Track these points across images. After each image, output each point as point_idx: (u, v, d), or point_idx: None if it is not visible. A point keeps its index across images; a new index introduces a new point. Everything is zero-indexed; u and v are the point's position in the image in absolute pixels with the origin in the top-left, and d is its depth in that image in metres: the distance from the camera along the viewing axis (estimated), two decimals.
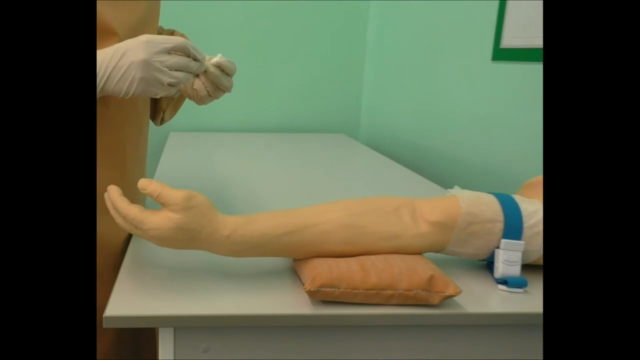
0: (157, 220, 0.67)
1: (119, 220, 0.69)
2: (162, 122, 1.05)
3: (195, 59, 0.75)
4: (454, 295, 0.68)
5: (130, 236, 0.91)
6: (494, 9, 1.32)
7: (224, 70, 0.84)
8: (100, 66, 0.71)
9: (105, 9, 0.76)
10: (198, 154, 1.56)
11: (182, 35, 1.02)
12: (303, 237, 0.72)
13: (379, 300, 0.68)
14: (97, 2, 0.74)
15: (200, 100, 0.90)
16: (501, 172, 1.32)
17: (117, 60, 0.70)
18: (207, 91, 0.87)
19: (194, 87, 0.88)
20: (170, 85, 0.73)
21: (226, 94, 1.99)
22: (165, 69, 0.71)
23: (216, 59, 0.84)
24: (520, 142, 1.24)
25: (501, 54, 1.29)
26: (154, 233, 0.67)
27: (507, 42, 1.27)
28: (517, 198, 0.78)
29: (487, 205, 0.76)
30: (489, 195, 0.78)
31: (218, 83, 0.85)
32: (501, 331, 0.71)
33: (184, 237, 0.68)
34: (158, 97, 0.75)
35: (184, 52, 0.74)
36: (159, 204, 0.68)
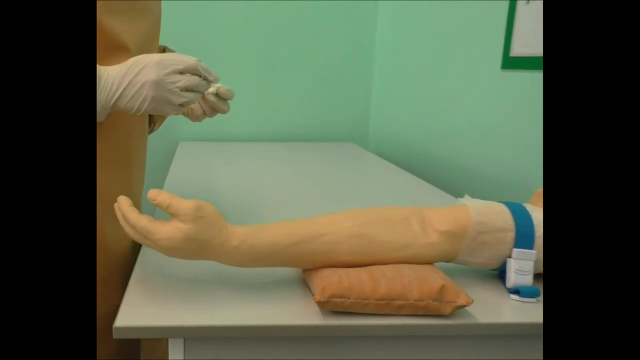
0: (167, 230, 0.67)
1: (128, 230, 0.69)
2: (151, 131, 1.08)
3: (205, 79, 0.78)
4: (465, 305, 0.67)
5: (139, 245, 0.91)
6: (502, 18, 1.32)
7: (222, 97, 0.88)
8: (114, 82, 0.72)
9: (117, 24, 0.77)
10: (207, 164, 1.57)
11: (172, 51, 1.05)
12: (312, 247, 0.72)
13: (390, 310, 0.68)
14: (109, 18, 0.75)
15: (195, 118, 0.95)
16: (511, 180, 1.31)
17: (131, 78, 0.72)
18: (203, 110, 0.93)
19: (190, 105, 0.91)
20: (180, 105, 0.76)
21: (235, 104, 2.00)
22: (176, 89, 0.74)
23: (212, 89, 0.87)
24: (530, 150, 1.23)
25: (510, 62, 1.28)
26: (164, 243, 0.67)
27: (516, 50, 1.26)
28: (528, 207, 0.77)
29: (498, 214, 0.75)
30: (499, 204, 0.78)
31: (216, 109, 0.90)
32: (514, 341, 0.70)
33: (193, 248, 0.68)
34: (168, 115, 0.77)
35: (195, 72, 0.76)
36: (169, 214, 0.68)
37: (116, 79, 0.72)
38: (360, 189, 1.32)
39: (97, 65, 0.73)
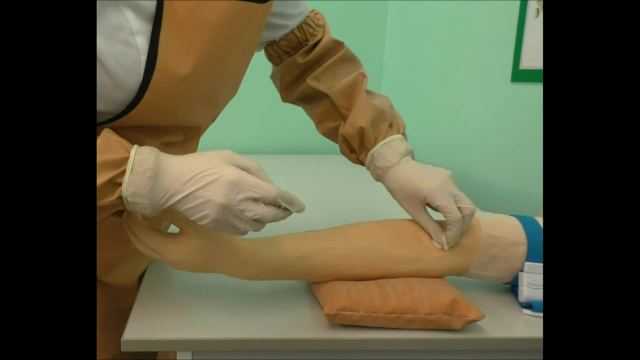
0: (175, 244, 0.67)
1: (137, 244, 0.69)
2: None
3: (286, 209, 0.65)
4: (476, 320, 0.66)
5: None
6: (512, 31, 1.32)
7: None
8: (172, 186, 0.62)
9: (193, 113, 0.75)
10: None
11: (335, 42, 0.94)
12: (321, 261, 0.71)
13: (400, 324, 0.67)
14: (190, 109, 0.73)
15: None
16: (523, 194, 1.30)
17: (194, 189, 0.61)
18: None
19: None
20: (244, 231, 0.64)
21: (245, 116, 2.01)
22: (245, 216, 0.62)
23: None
24: (541, 163, 1.22)
25: (520, 75, 1.28)
26: (172, 257, 0.67)
27: (526, 63, 1.26)
28: (540, 220, 0.77)
29: (510, 228, 0.75)
30: (511, 218, 0.77)
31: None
32: (526, 356, 0.69)
33: (201, 261, 0.68)
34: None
35: (274, 203, 0.64)
36: (177, 227, 0.68)
37: (176, 183, 0.61)
38: (370, 202, 1.32)
39: (159, 153, 0.63)
